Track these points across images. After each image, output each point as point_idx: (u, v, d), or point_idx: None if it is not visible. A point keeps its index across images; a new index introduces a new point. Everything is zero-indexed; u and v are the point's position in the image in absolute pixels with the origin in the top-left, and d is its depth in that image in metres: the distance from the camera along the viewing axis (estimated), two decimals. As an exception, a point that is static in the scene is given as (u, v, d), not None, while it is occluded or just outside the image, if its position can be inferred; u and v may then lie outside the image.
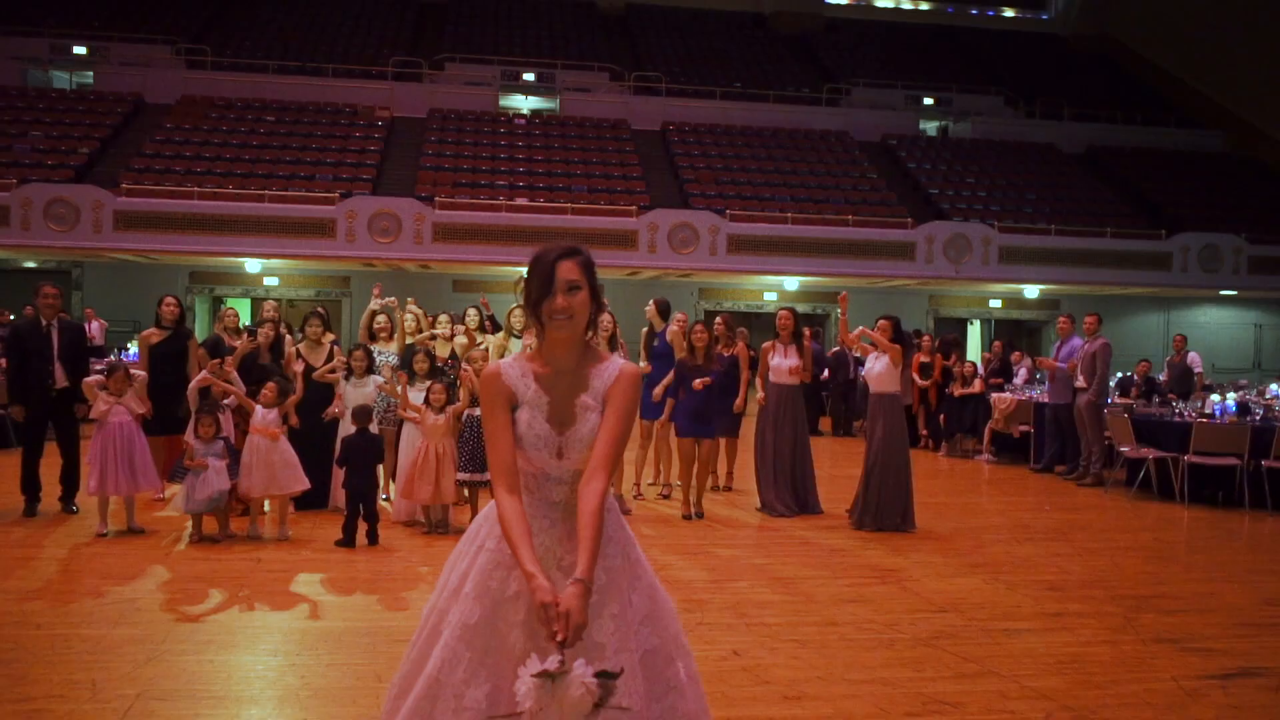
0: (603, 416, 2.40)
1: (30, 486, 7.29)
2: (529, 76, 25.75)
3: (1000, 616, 5.30)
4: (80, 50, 24.26)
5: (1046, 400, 10.69)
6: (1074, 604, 5.60)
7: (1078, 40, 33.04)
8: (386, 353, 8.13)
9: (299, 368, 7.82)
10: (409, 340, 8.50)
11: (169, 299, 7.80)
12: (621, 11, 31.58)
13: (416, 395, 7.21)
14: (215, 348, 7.88)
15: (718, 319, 8.64)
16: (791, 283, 21.53)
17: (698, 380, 7.63)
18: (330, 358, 7.80)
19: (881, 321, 7.72)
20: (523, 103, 26.18)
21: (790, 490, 8.12)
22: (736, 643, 4.74)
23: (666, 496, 8.81)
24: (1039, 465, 11.06)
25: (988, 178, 23.89)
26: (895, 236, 20.06)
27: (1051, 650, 4.75)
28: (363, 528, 6.70)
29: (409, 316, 8.82)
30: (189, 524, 6.79)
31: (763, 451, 8.22)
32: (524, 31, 28.63)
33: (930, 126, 28.23)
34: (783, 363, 8.08)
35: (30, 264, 20.39)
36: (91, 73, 24.41)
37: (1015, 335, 23.22)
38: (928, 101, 27.80)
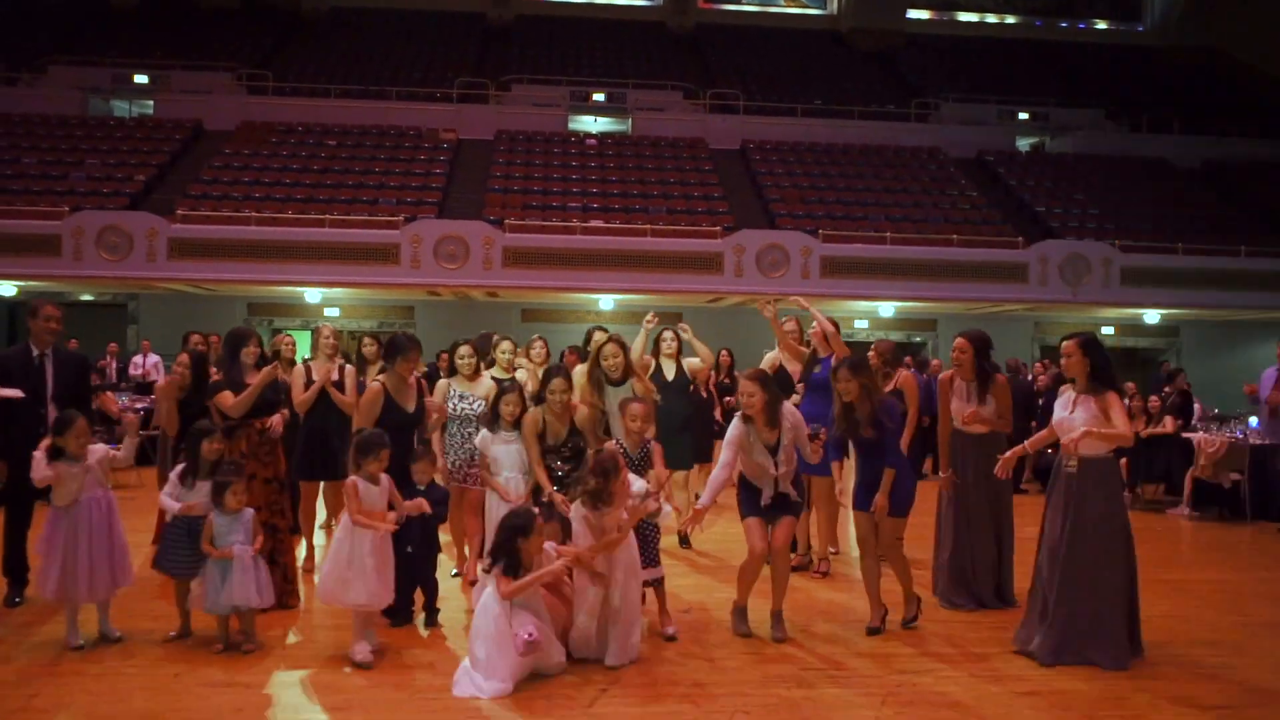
0: None
1: (15, 567, 5.70)
2: (599, 97, 24.56)
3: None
4: (142, 79, 23.73)
5: (1265, 441, 8.78)
6: None
7: (1176, 51, 31.00)
8: (470, 396, 6.38)
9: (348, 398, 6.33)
10: (498, 374, 6.77)
11: (194, 336, 6.31)
12: (691, 31, 30.43)
13: (503, 452, 5.68)
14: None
15: (871, 350, 6.87)
16: (887, 309, 19.80)
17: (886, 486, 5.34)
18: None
19: (959, 341, 5.89)
20: (592, 124, 24.98)
21: (974, 574, 6.01)
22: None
23: (825, 574, 6.76)
24: None
25: (1098, 195, 21.97)
26: (1005, 257, 18.26)
27: None
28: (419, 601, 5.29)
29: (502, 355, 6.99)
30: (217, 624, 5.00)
31: (943, 519, 6.19)
32: (591, 52, 27.56)
33: (1024, 143, 26.42)
34: (960, 407, 6.02)
35: (87, 297, 19.57)
36: (152, 101, 23.83)
37: (1128, 366, 21.15)
38: (1023, 116, 26.03)
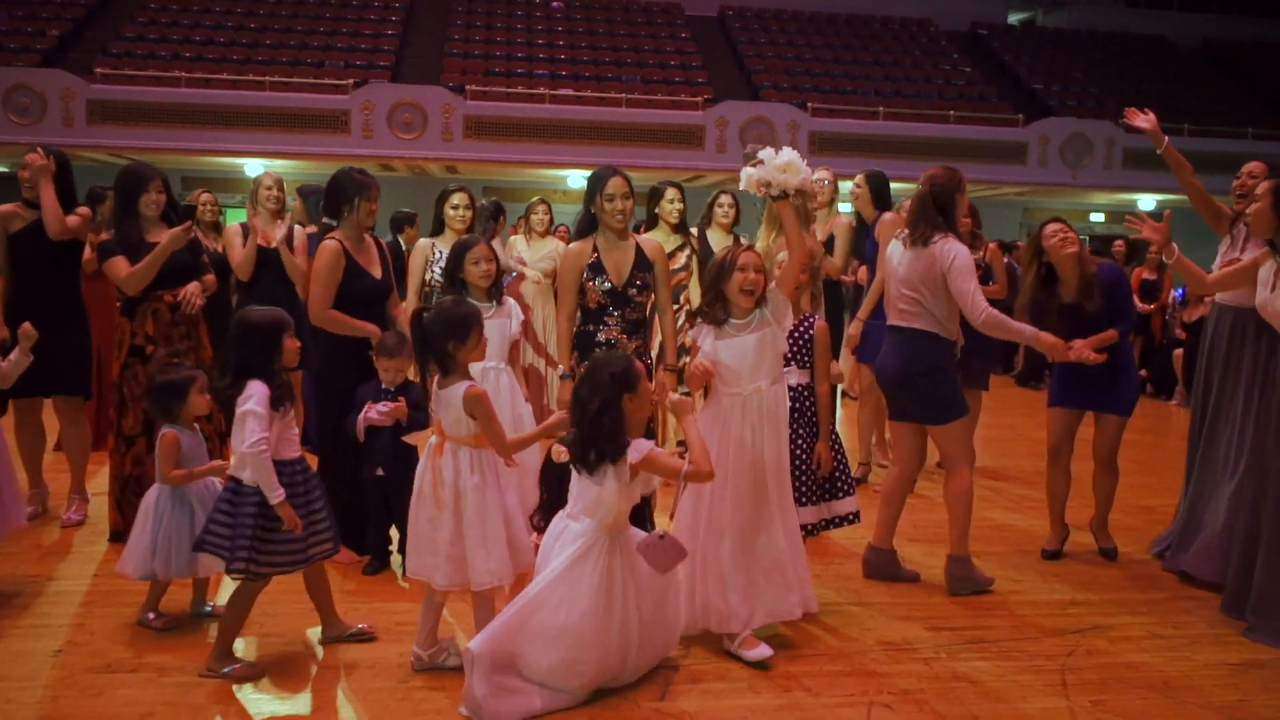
0: None
1: None
2: (565, -44, 22.51)
3: None
4: (53, -75, 21.15)
5: None
6: None
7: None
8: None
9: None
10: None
11: (31, 155, 4.19)
12: (664, -112, 28.09)
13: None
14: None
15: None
16: (875, 191, 18.63)
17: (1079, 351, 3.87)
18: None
19: (1252, 165, 4.27)
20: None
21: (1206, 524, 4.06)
22: None
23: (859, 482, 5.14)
24: None
25: (1096, 73, 20.74)
26: (1005, 136, 17.10)
27: None
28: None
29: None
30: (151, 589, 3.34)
31: (1196, 443, 4.22)
32: (556, -92, 25.27)
33: (1015, 18, 24.95)
34: (1231, 258, 4.08)
35: (1, 169, 17.71)
36: (66, -49, 21.34)
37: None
38: (1015, -12, 24.53)
